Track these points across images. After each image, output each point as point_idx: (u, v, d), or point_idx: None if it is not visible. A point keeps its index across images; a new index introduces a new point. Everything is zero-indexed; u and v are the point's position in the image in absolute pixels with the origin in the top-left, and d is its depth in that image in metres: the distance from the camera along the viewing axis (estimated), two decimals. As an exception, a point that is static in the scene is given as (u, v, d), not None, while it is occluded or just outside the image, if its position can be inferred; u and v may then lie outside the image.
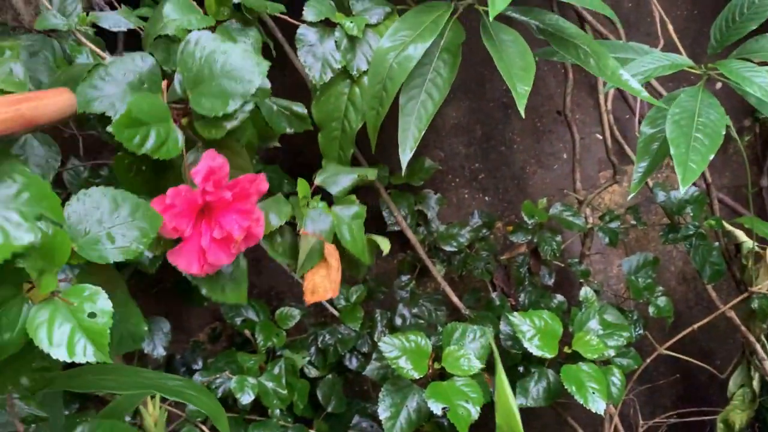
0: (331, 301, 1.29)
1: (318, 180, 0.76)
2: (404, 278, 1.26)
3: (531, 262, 1.29)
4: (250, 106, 0.65)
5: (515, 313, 1.02)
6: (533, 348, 1.00)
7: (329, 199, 0.90)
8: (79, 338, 0.51)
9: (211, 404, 0.72)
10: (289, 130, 0.84)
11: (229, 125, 0.64)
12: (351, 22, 0.82)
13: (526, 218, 1.26)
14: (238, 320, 1.24)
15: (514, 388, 1.18)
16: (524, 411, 1.24)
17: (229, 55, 0.65)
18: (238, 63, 0.65)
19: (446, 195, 1.39)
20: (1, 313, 0.52)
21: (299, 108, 0.85)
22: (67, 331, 0.51)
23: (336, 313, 1.27)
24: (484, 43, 0.80)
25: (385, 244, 0.72)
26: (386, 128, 0.96)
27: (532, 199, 1.42)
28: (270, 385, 1.10)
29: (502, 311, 1.26)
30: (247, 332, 1.23)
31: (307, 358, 1.21)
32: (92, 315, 0.52)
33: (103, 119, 0.64)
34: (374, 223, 1.34)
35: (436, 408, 0.96)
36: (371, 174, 0.77)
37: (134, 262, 1.00)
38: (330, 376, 1.23)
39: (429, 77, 0.79)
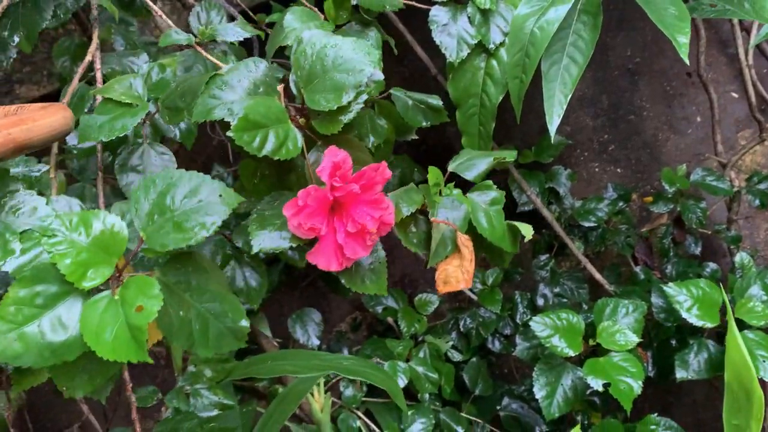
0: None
1: (452, 166, 0.75)
2: (543, 257, 1.25)
3: (675, 232, 1.23)
4: (364, 98, 0.65)
5: (670, 284, 0.98)
6: (693, 318, 0.96)
7: (466, 186, 0.90)
8: (124, 335, 0.49)
9: (388, 381, 0.74)
10: (425, 123, 0.84)
11: (345, 119, 0.64)
12: (482, -5, 0.82)
13: (666, 186, 1.21)
14: (379, 309, 1.27)
15: (670, 363, 1.13)
16: (673, 387, 1.19)
17: (339, 48, 0.65)
18: (349, 54, 0.65)
19: (576, 170, 1.36)
20: (56, 313, 0.51)
21: (434, 101, 0.85)
22: (113, 328, 0.49)
23: (474, 297, 1.28)
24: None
25: (527, 230, 0.70)
26: (510, 107, 0.95)
27: (667, 166, 1.36)
28: (420, 369, 1.12)
29: (647, 285, 1.22)
30: (389, 320, 1.25)
31: (451, 343, 1.22)
32: (140, 309, 0.49)
33: (223, 127, 0.65)
34: (504, 205, 1.33)
35: (596, 384, 0.94)
36: (510, 156, 0.75)
37: (284, 258, 1.05)
38: (474, 359, 1.24)
39: (570, 41, 0.77)
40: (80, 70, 0.74)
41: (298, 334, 1.10)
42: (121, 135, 0.64)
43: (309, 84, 0.64)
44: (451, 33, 0.84)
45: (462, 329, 1.23)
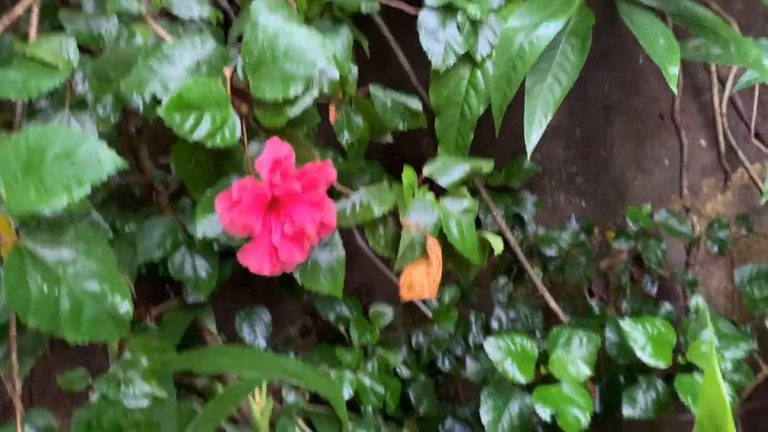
0: (423, 301, 1.28)
1: (427, 170, 0.73)
2: (502, 280, 1.24)
3: (633, 270, 1.24)
4: (314, 93, 0.63)
5: (627, 319, 0.98)
6: (646, 357, 0.96)
7: (439, 193, 0.88)
8: None
9: (332, 390, 0.71)
10: (401, 126, 0.82)
11: (291, 113, 0.60)
12: (474, 6, 0.81)
13: (630, 224, 1.21)
14: (332, 316, 1.24)
15: (617, 399, 1.13)
16: (613, 424, 1.19)
17: (292, 35, 0.61)
18: (302, 44, 0.61)
19: (542, 198, 1.36)
20: None
21: (414, 104, 0.83)
22: None
23: (429, 313, 1.25)
24: (624, 21, 0.77)
25: (498, 243, 0.68)
26: (486, 125, 0.94)
27: (631, 205, 1.38)
28: (367, 381, 1.09)
29: (602, 319, 1.22)
30: (341, 328, 1.22)
31: (402, 358, 1.19)
32: None
33: (158, 103, 0.59)
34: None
35: (544, 413, 0.92)
36: (486, 167, 0.74)
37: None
38: (422, 377, 1.21)
39: (556, 61, 0.77)
40: (5, 22, 0.68)
41: (245, 333, 1.06)
42: (33, 96, 0.59)
43: (256, 71, 0.61)
44: (438, 39, 0.82)
45: (414, 345, 1.21)
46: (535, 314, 1.21)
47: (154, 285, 0.98)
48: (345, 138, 0.77)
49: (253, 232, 0.55)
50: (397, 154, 1.35)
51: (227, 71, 0.61)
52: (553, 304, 1.18)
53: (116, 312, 0.52)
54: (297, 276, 0.61)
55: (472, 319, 1.22)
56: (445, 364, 1.23)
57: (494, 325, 1.19)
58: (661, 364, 0.96)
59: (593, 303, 1.24)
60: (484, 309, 1.27)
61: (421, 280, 0.66)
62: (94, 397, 0.67)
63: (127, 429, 0.59)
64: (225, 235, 0.56)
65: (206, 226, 0.57)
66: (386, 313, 1.23)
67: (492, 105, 0.83)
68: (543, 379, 1.00)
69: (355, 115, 0.78)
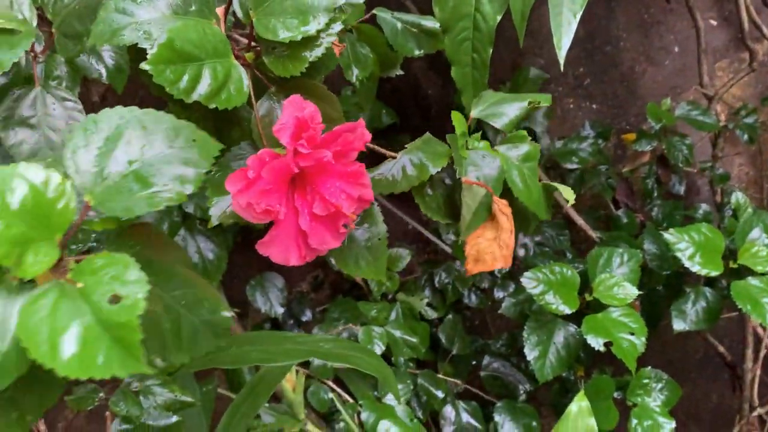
0: (439, 236, 1.19)
1: (476, 112, 0.60)
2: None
3: (659, 171, 1.15)
4: (338, 26, 0.50)
5: (671, 230, 0.90)
6: (696, 266, 0.89)
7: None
8: (96, 338, 0.33)
9: (377, 365, 0.62)
10: (417, 52, 0.70)
11: (311, 55, 0.48)
12: None
13: (652, 122, 1.12)
14: (344, 266, 1.15)
15: (657, 313, 1.07)
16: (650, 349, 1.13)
17: None
18: None
19: (550, 107, 1.25)
20: None
21: (429, 22, 0.71)
22: (79, 330, 0.32)
23: (448, 249, 1.17)
24: None
25: (569, 194, 0.57)
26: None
27: (644, 101, 1.28)
28: (398, 333, 1.01)
29: (632, 229, 1.15)
30: (357, 278, 1.13)
31: (426, 300, 1.12)
32: (116, 300, 0.33)
33: (138, 56, 0.46)
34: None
35: (596, 343, 0.85)
36: (545, 100, 0.61)
37: (242, 222, 0.91)
38: (450, 316, 1.14)
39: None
40: None
41: (258, 303, 0.97)
42: None
43: (261, 4, 0.47)
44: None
45: (437, 285, 1.13)
46: (561, 234, 1.13)
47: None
48: (354, 74, 0.64)
49: (276, 217, 0.44)
50: (389, 83, 1.23)
51: (219, 11, 0.48)
52: (579, 219, 1.10)
53: (215, 319, 0.42)
54: (332, 261, 0.50)
55: (495, 248, 1.14)
56: (471, 300, 1.15)
57: (520, 252, 1.11)
58: (713, 272, 0.89)
59: (620, 213, 1.16)
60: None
61: (490, 249, 0.55)
62: (115, 425, 0.58)
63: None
64: (243, 219, 0.45)
65: (219, 211, 0.46)
66: (403, 255, 1.15)
67: (512, 10, 0.70)
68: (587, 305, 0.93)
69: (360, 45, 0.66)
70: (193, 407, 0.65)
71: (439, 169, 0.54)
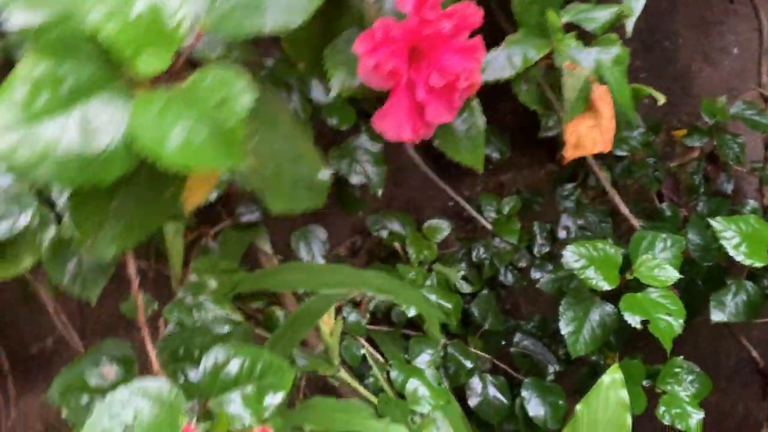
0: (481, 212, 1.20)
1: (567, 17, 0.62)
2: (568, 186, 1.15)
3: (708, 168, 1.15)
4: None
5: (717, 218, 0.90)
6: (740, 256, 0.88)
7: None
8: (201, 134, 0.35)
9: (424, 303, 0.64)
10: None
11: None
12: None
13: (706, 118, 1.12)
14: (384, 233, 1.17)
15: (695, 306, 1.07)
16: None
17: None
18: None
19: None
20: (91, 109, 0.35)
21: None
22: (185, 127, 0.34)
23: (488, 226, 1.18)
24: None
25: (660, 96, 0.59)
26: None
27: (698, 100, 1.27)
28: (433, 297, 1.02)
29: (676, 221, 1.14)
30: (396, 245, 1.15)
31: (462, 273, 1.13)
32: (222, 103, 0.35)
33: None
34: (529, 124, 1.23)
35: (633, 320, 0.86)
36: (628, 10, 0.63)
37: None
38: (485, 291, 1.15)
39: None
40: None
41: (301, 252, 0.99)
42: None
43: None
44: None
45: (474, 259, 1.14)
46: (604, 220, 1.14)
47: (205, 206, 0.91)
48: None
49: (400, 81, 0.45)
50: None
51: None
52: (623, 208, 1.10)
53: (313, 177, 0.44)
54: (436, 143, 0.52)
55: (536, 229, 1.15)
56: (507, 278, 1.16)
57: (562, 234, 1.12)
58: (757, 263, 0.88)
59: (664, 206, 1.15)
60: (547, 219, 1.19)
61: (590, 134, 0.57)
62: (169, 327, 0.60)
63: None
64: (362, 89, 0.47)
65: (338, 83, 0.48)
66: (443, 227, 1.16)
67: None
68: (624, 286, 0.93)
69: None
70: (240, 327, 0.67)
71: (540, 57, 0.56)
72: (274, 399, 0.51)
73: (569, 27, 0.62)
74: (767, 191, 1.15)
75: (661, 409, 0.95)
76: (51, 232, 0.48)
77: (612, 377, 0.79)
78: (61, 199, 0.47)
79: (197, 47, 0.40)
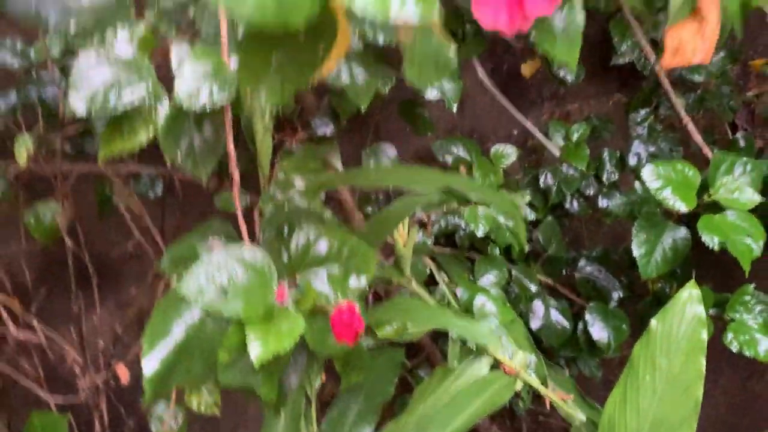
0: (549, 140, 1.19)
1: None
2: (642, 112, 1.13)
3: (787, 98, 1.11)
4: None
5: (804, 141, 0.87)
6: (825, 181, 0.86)
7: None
8: None
9: (510, 205, 0.64)
10: None
11: None
12: None
13: (790, 44, 1.07)
14: (449, 158, 1.17)
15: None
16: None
17: None
18: None
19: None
20: None
21: None
22: None
23: (556, 153, 1.17)
24: None
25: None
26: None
27: (778, 30, 1.23)
28: (501, 218, 1.03)
29: (749, 153, 1.12)
30: (462, 168, 1.15)
31: (528, 198, 1.12)
32: None
33: None
34: (597, 53, 1.20)
35: (712, 242, 0.85)
36: None
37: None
38: (550, 218, 1.15)
39: None
40: None
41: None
42: None
43: None
44: None
45: (542, 185, 1.13)
46: (675, 149, 1.11)
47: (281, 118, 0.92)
48: None
49: None
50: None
51: None
52: (697, 137, 1.07)
53: (440, 55, 0.45)
54: (533, 36, 0.52)
55: (606, 156, 1.13)
56: (573, 206, 1.15)
57: (632, 161, 1.10)
58: None
59: (738, 136, 1.13)
60: (616, 147, 1.17)
61: (691, 41, 0.56)
62: (269, 210, 0.62)
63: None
64: None
65: None
66: (509, 152, 1.15)
67: None
68: (701, 210, 0.92)
69: None
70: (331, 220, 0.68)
71: None
72: (358, 282, 0.53)
73: None
74: None
75: (729, 336, 0.94)
76: (165, 107, 0.49)
77: (689, 292, 0.79)
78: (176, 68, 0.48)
79: None
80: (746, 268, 0.84)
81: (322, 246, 0.54)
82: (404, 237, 0.88)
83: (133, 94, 0.47)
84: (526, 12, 0.47)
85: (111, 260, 1.04)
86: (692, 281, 0.81)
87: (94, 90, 0.46)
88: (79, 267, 0.97)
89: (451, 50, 0.45)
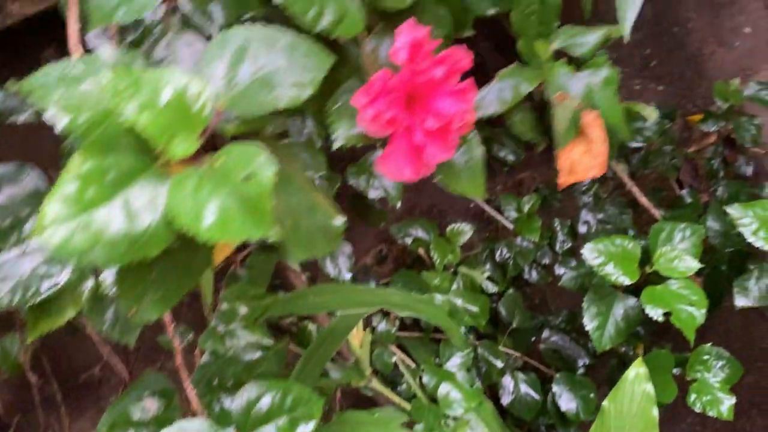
0: (501, 213, 1.22)
1: (556, 43, 0.64)
2: (585, 182, 1.16)
3: (726, 152, 1.15)
4: None
5: (734, 204, 0.90)
6: (759, 241, 0.89)
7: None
8: (233, 208, 0.38)
9: (442, 316, 0.66)
10: (489, 12, 0.73)
11: None
12: None
13: (718, 102, 1.12)
14: (408, 240, 1.20)
15: (719, 291, 1.07)
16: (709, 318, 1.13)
17: None
18: None
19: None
20: (133, 194, 0.39)
21: (505, -19, 0.74)
22: (218, 202, 0.38)
23: (509, 225, 1.20)
24: None
25: (651, 112, 0.61)
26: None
27: (712, 83, 1.27)
28: (459, 302, 1.05)
29: (696, 209, 1.15)
30: (421, 251, 1.18)
31: (487, 274, 1.15)
32: (249, 178, 0.39)
33: None
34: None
35: (656, 313, 0.87)
36: (616, 33, 0.64)
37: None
38: (511, 290, 1.17)
39: None
40: None
41: (328, 268, 1.03)
42: (140, 16, 0.53)
43: None
44: None
45: (498, 259, 1.16)
46: (624, 212, 1.15)
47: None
48: (434, 35, 0.69)
49: (398, 127, 0.49)
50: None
51: None
52: (642, 199, 1.11)
53: (328, 225, 0.49)
54: (438, 178, 0.55)
55: (557, 226, 1.16)
56: (532, 275, 1.18)
57: (582, 229, 1.13)
58: (777, 248, 0.89)
59: (684, 193, 1.16)
60: (566, 215, 1.21)
61: (582, 160, 0.59)
62: (204, 356, 0.64)
63: (246, 381, 0.56)
64: (363, 136, 0.51)
65: (342, 135, 0.52)
66: (465, 230, 1.18)
67: (577, -15, 0.73)
68: (646, 278, 0.95)
69: (439, 7, 0.70)
70: (269, 352, 0.70)
71: (532, 89, 0.58)
72: (305, 429, 0.55)
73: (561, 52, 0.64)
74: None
75: (692, 396, 0.96)
76: (89, 283, 0.52)
77: (636, 371, 0.81)
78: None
79: (219, 122, 0.44)
80: (690, 337, 0.86)
81: (265, 402, 0.55)
82: (359, 338, 0.90)
83: (60, 278, 0.50)
84: (426, 162, 0.51)
85: (79, 385, 1.06)
86: (639, 359, 0.83)
87: (17, 282, 0.49)
88: (45, 395, 0.99)
89: (339, 220, 0.49)
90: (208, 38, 0.66)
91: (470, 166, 0.57)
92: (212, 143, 0.42)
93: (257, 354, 0.65)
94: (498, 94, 0.57)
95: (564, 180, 0.60)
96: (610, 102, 0.60)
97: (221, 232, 0.38)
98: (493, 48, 1.24)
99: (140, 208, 0.40)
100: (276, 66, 0.46)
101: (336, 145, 0.52)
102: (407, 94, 0.50)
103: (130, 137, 0.39)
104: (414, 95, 0.50)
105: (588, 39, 0.63)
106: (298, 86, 0.45)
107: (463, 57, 0.50)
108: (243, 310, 0.72)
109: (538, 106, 0.58)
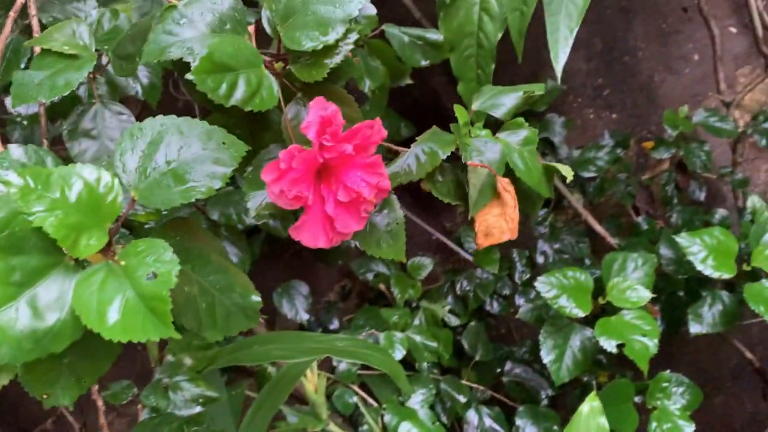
0: (461, 246, 1.23)
1: (477, 104, 0.66)
2: (541, 212, 1.17)
3: (678, 178, 1.17)
4: (354, 36, 0.56)
5: (682, 234, 0.92)
6: (708, 269, 0.90)
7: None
8: (135, 307, 0.39)
9: (388, 361, 0.66)
10: (423, 63, 0.75)
11: (332, 62, 0.54)
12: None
13: (668, 129, 1.14)
14: (370, 275, 1.20)
15: (678, 316, 1.08)
16: (676, 337, 1.13)
17: None
18: None
19: (570, 118, 1.28)
20: (41, 291, 0.40)
21: (434, 35, 0.76)
22: (122, 301, 0.39)
23: (469, 258, 1.20)
24: None
25: (567, 171, 0.62)
26: (499, 51, 0.86)
27: (665, 109, 1.29)
28: (418, 338, 1.05)
29: (652, 235, 1.16)
30: (381, 286, 1.18)
31: (448, 307, 1.15)
32: (153, 276, 0.40)
33: (183, 69, 0.52)
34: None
35: (610, 345, 0.88)
36: (539, 88, 0.66)
37: (266, 228, 0.96)
38: (473, 323, 1.17)
39: (572, -32, 0.69)
40: (11, 16, 0.62)
41: (285, 309, 1.02)
42: (65, 93, 0.53)
43: (287, 20, 0.54)
44: (440, -38, 0.74)
45: (458, 292, 1.16)
46: (581, 241, 1.16)
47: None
48: (367, 85, 0.70)
49: (306, 203, 0.49)
50: (410, 96, 1.27)
51: (251, 28, 0.54)
52: (597, 227, 1.12)
53: (246, 303, 0.49)
54: (356, 244, 0.55)
55: (515, 257, 1.17)
56: (493, 307, 1.18)
57: (540, 259, 1.14)
58: (725, 275, 0.90)
59: (640, 220, 1.17)
60: (524, 245, 1.21)
61: (497, 224, 0.60)
62: (144, 413, 0.63)
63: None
64: (276, 209, 0.51)
65: (255, 204, 0.52)
66: (425, 264, 1.19)
67: (510, 28, 0.75)
68: (602, 308, 0.95)
69: (372, 59, 0.71)
70: (218, 402, 0.69)
71: (448, 155, 0.58)
72: None
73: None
74: (741, 194, 1.16)
75: (653, 425, 0.96)
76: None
77: (590, 406, 0.81)
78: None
79: (132, 210, 0.44)
80: (644, 368, 0.86)
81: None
82: (314, 382, 0.89)
83: None
84: (339, 231, 0.52)
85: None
86: (593, 393, 0.83)
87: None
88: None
89: (255, 297, 0.49)
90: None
91: (391, 229, 0.57)
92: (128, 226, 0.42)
93: (196, 409, 0.64)
94: (415, 160, 0.58)
95: (481, 242, 0.61)
96: (529, 162, 0.61)
97: (124, 331, 0.38)
98: (448, 82, 1.25)
99: (47, 305, 0.40)
100: (191, 155, 0.46)
101: (249, 218, 0.52)
102: (320, 166, 0.50)
103: (38, 236, 0.40)
104: (327, 166, 0.51)
105: (506, 101, 0.64)
106: (212, 177, 0.46)
107: (376, 132, 0.51)
108: (188, 361, 0.71)
109: (464, 167, 0.59)
